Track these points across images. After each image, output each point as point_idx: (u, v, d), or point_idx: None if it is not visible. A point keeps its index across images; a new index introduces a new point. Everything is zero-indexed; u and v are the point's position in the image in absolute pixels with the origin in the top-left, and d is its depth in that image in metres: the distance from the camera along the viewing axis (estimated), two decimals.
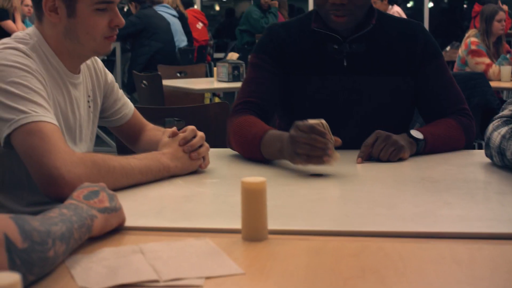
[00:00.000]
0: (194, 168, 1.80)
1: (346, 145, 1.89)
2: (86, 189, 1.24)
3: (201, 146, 1.81)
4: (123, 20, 1.80)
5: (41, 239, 0.98)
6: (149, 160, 1.69)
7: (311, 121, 1.71)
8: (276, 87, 2.12)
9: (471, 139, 2.13)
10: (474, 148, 4.34)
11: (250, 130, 1.93)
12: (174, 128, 1.83)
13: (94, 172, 1.54)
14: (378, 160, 1.90)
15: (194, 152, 1.78)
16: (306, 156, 1.69)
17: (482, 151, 1.92)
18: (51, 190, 1.52)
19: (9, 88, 1.61)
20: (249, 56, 2.23)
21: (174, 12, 7.76)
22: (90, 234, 1.16)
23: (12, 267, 0.91)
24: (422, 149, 1.99)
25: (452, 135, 2.07)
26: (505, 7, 6.13)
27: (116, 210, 1.25)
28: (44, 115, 1.60)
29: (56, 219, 1.07)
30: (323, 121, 1.71)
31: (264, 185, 1.21)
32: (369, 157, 1.92)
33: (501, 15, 5.50)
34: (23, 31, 1.81)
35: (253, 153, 1.92)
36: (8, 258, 0.91)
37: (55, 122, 1.62)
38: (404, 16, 7.83)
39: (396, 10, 7.84)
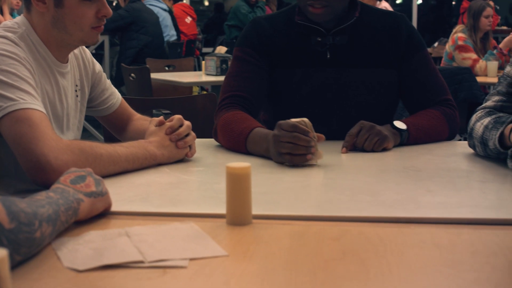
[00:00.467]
0: (181, 156, 1.81)
1: (331, 136, 1.92)
2: (73, 173, 1.26)
3: (187, 135, 1.82)
4: (111, 10, 1.81)
5: (28, 220, 1.00)
6: (136, 148, 1.71)
7: (294, 120, 1.72)
8: (263, 81, 2.12)
9: (455, 129, 2.16)
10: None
11: (237, 126, 1.94)
12: (161, 117, 1.84)
13: (81, 159, 1.56)
14: (363, 150, 1.93)
15: (180, 141, 1.80)
16: (289, 155, 1.71)
17: (465, 142, 1.95)
18: (38, 177, 1.53)
19: None
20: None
21: (165, 6, 7.75)
22: (76, 218, 1.18)
23: None
24: (406, 139, 2.02)
25: (436, 125, 2.09)
26: (491, 3, 6.17)
27: (103, 194, 1.27)
28: (32, 102, 1.61)
29: (43, 202, 1.09)
30: (306, 119, 1.73)
31: (249, 170, 1.22)
32: (353, 147, 1.94)
33: (489, 11, 5.54)
34: (12, 20, 1.82)
35: (239, 149, 1.94)
36: None
37: (43, 109, 1.63)
38: None
39: (384, 6, 7.85)
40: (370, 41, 2.14)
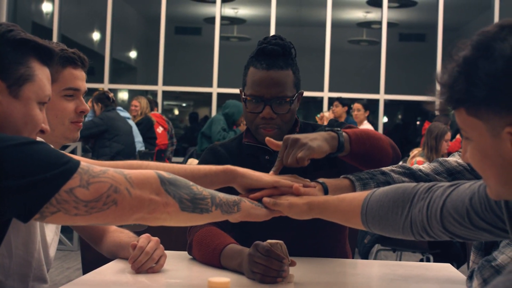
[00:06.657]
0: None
1: (294, 252, 2.00)
2: None
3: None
4: (88, 107, 2.00)
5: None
6: None
7: (270, 242, 1.83)
8: None
9: (398, 154, 2.12)
10: None
11: (212, 241, 2.04)
12: (133, 242, 1.95)
13: None
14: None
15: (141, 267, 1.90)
16: (261, 275, 1.80)
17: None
18: None
19: None
20: None
21: (128, 115, 7.88)
22: None
23: None
24: (349, 144, 1.97)
25: (377, 137, 2.04)
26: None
27: None
28: None
29: None
30: (281, 242, 1.83)
31: (228, 285, 1.31)
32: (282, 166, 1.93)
33: (449, 135, 5.76)
34: None
35: (213, 263, 2.02)
36: None
37: None
38: None
39: (367, 127, 7.98)
40: None
